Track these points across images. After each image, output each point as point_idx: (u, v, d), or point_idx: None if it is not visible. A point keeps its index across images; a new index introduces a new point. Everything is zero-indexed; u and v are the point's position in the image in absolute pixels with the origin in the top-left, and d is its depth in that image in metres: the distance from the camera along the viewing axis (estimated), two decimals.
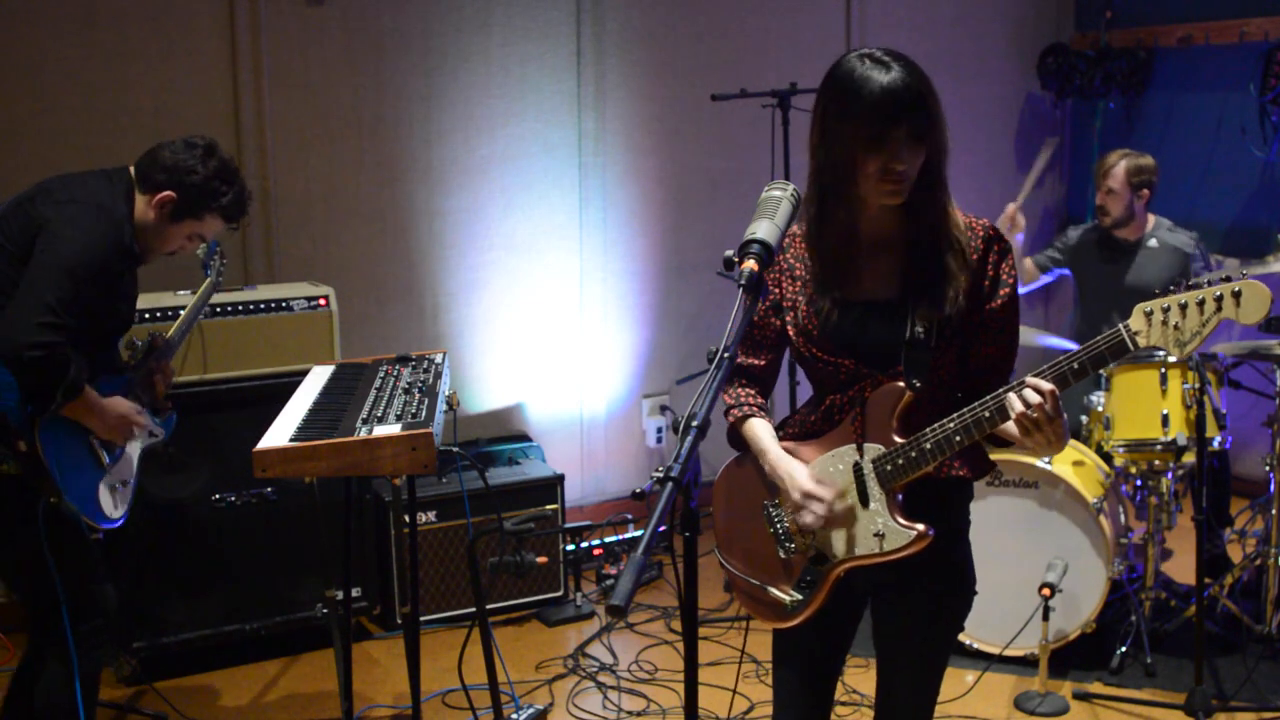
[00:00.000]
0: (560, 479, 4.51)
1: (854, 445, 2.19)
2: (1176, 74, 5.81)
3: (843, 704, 3.68)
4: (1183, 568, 4.35)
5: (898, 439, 2.15)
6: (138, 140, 3.90)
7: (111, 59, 4.09)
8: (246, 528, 3.95)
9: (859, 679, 3.84)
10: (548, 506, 4.47)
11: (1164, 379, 3.92)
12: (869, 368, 2.18)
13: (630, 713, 3.74)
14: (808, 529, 2.21)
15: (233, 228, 3.12)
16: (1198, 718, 3.55)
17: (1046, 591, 3.68)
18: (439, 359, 3.36)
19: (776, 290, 2.26)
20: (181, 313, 3.45)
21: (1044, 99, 6.23)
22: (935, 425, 2.11)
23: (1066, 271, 4.81)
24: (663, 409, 5.31)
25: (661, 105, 5.15)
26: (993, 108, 6.11)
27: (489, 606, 4.03)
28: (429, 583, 4.27)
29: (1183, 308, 2.01)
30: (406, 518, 3.13)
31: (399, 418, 2.78)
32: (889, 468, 2.15)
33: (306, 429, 2.77)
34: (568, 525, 4.55)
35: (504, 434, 4.92)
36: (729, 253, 1.95)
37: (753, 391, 2.35)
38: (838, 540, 2.21)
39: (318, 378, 3.30)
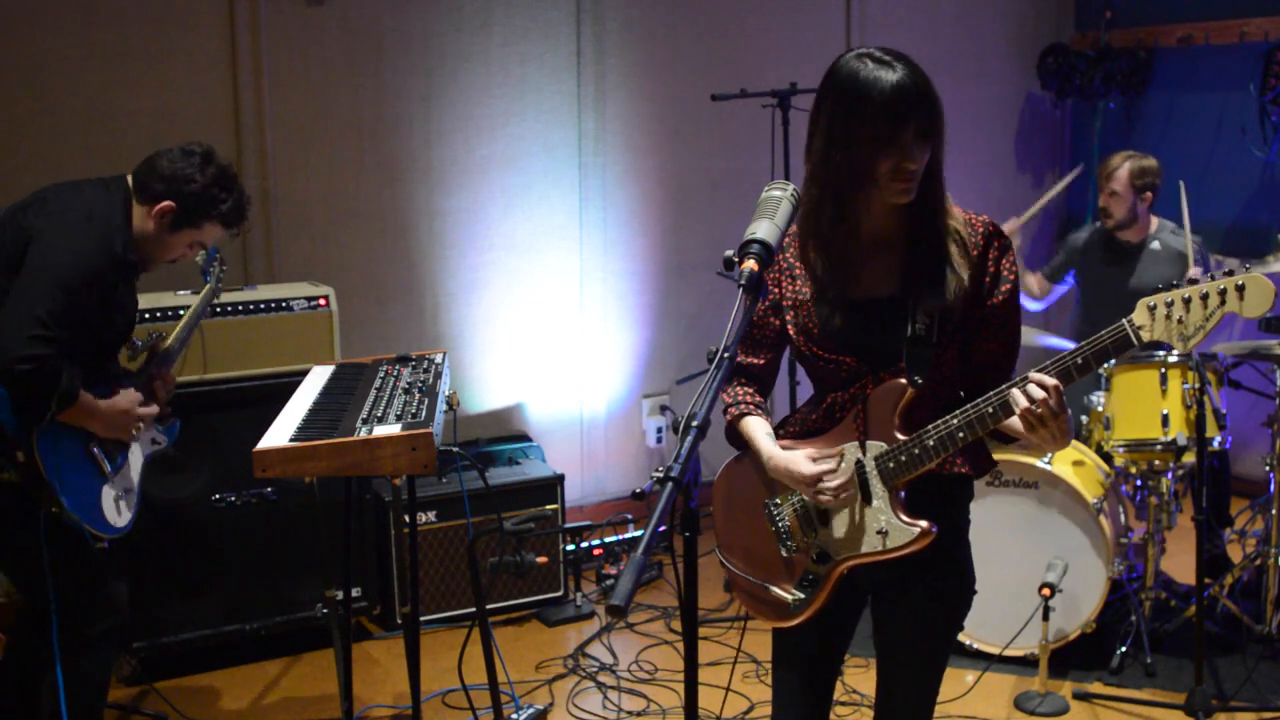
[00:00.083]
0: (560, 479, 4.51)
1: (856, 443, 2.19)
2: (1176, 74, 5.81)
3: (843, 704, 3.68)
4: (1183, 568, 4.35)
5: (900, 436, 2.14)
6: (138, 141, 3.92)
7: (111, 59, 4.09)
8: (246, 528, 3.95)
9: (859, 679, 3.84)
10: (548, 506, 4.47)
11: (1164, 379, 3.92)
12: (870, 365, 2.18)
13: (630, 713, 3.74)
14: (828, 507, 2.21)
15: (233, 234, 3.12)
16: (1198, 718, 3.55)
17: (1046, 591, 3.68)
18: (439, 359, 3.36)
19: (776, 290, 2.26)
20: (182, 313, 3.45)
21: (1044, 99, 6.23)
22: (938, 422, 2.11)
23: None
24: (663, 409, 5.31)
25: (661, 105, 5.15)
26: (993, 108, 6.11)
27: (489, 606, 4.03)
28: (429, 583, 4.27)
29: (1186, 302, 2.01)
30: (406, 518, 3.12)
31: (399, 418, 2.78)
32: (891, 465, 2.15)
33: (306, 429, 2.77)
34: (568, 525, 4.55)
35: (504, 434, 4.92)
36: (729, 253, 1.95)
37: (751, 390, 2.35)
38: (840, 538, 2.21)
39: (318, 378, 3.30)
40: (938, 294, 2.13)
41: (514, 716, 3.60)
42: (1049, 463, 3.85)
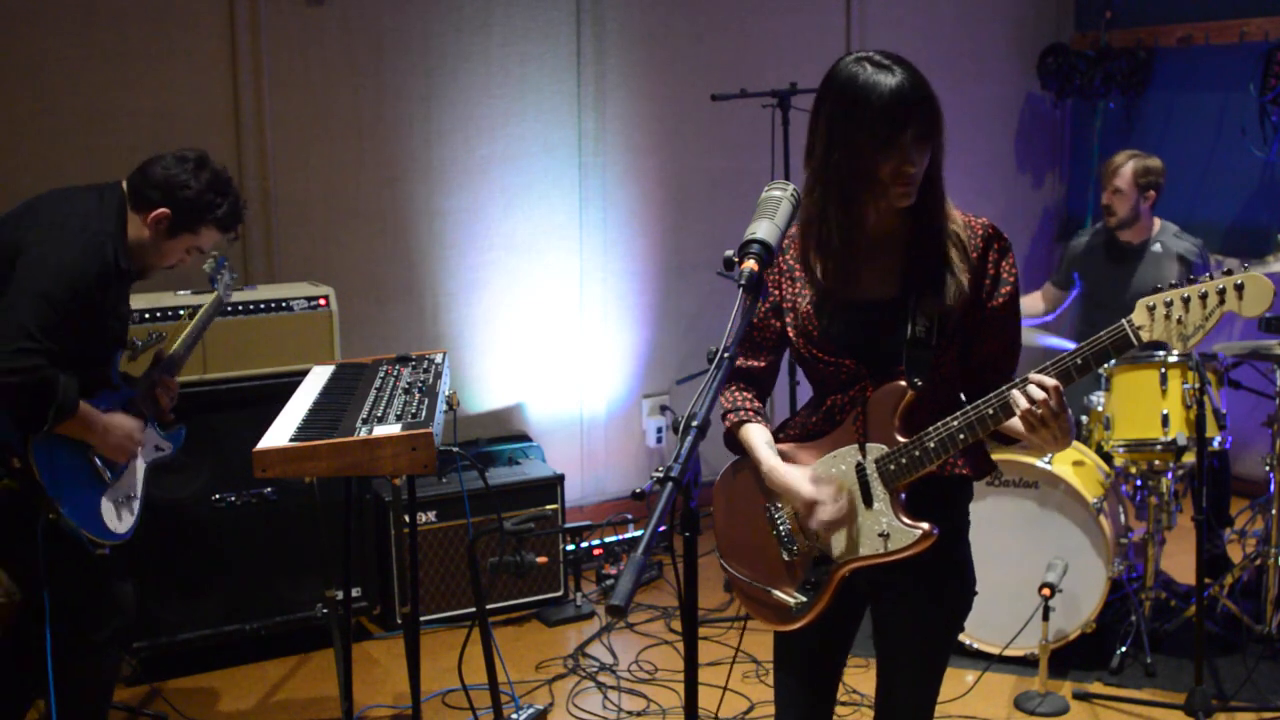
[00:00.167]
0: (560, 479, 4.51)
1: (856, 445, 2.19)
2: (1176, 74, 5.81)
3: (843, 704, 3.68)
4: (1183, 568, 4.35)
5: (900, 438, 2.14)
6: (138, 141, 3.92)
7: (111, 59, 4.09)
8: (246, 528, 3.95)
9: (859, 679, 3.84)
10: (548, 506, 4.47)
11: (1164, 379, 3.92)
12: (870, 368, 2.18)
13: (630, 713, 3.74)
14: (816, 533, 2.21)
15: (230, 238, 3.11)
16: (1198, 718, 3.55)
17: (1046, 591, 3.68)
18: (439, 359, 3.36)
19: (776, 292, 2.26)
20: (182, 313, 3.44)
21: (1044, 99, 6.23)
22: (938, 424, 2.11)
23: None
24: (663, 409, 5.31)
25: (661, 105, 5.15)
26: (993, 108, 6.11)
27: (489, 606, 4.03)
28: (429, 583, 4.27)
29: (1185, 301, 2.01)
30: (406, 518, 3.12)
31: (399, 418, 2.78)
32: (892, 467, 2.15)
33: (306, 429, 2.77)
34: (568, 525, 4.55)
35: (504, 434, 4.92)
36: (729, 253, 1.95)
37: (750, 395, 2.34)
38: (842, 541, 2.21)
39: (318, 378, 3.30)
40: (938, 297, 2.13)
41: (514, 716, 3.60)
42: (1049, 463, 3.85)
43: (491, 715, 3.27)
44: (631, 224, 5.17)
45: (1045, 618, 3.70)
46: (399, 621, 4.14)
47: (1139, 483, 4.12)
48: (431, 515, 4.24)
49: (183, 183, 2.92)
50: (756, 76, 4.92)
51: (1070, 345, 4.13)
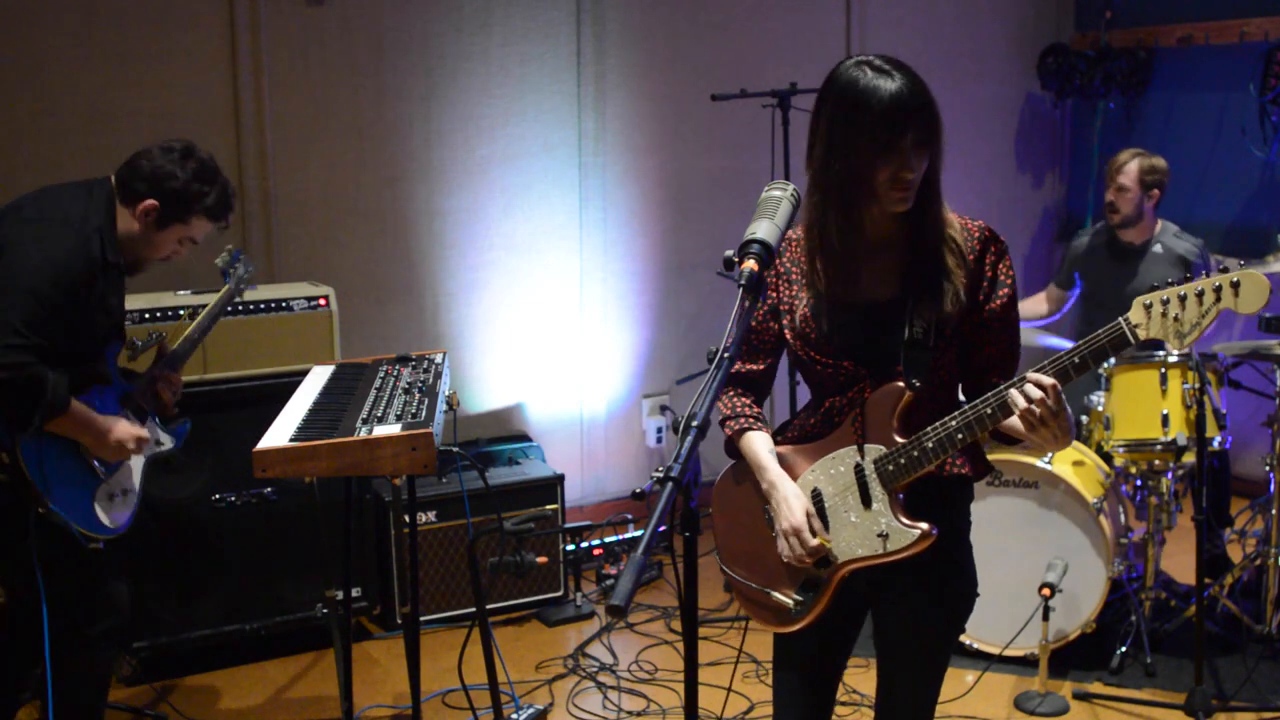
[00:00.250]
0: (560, 479, 4.51)
1: (855, 446, 2.19)
2: (1176, 74, 5.81)
3: (843, 704, 3.68)
4: (1183, 568, 4.35)
5: (899, 439, 2.14)
6: (138, 141, 3.88)
7: (111, 59, 4.09)
8: (246, 528, 3.95)
9: (859, 679, 3.84)
10: (548, 506, 4.47)
11: (1164, 379, 3.92)
12: (868, 369, 2.18)
13: (630, 713, 3.74)
14: (782, 556, 2.21)
15: (222, 227, 3.11)
16: (1198, 718, 3.55)
17: (1046, 591, 3.68)
18: (439, 359, 3.36)
19: (774, 294, 2.26)
20: (182, 313, 3.44)
21: (1044, 99, 6.23)
22: (937, 424, 2.11)
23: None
24: (663, 409, 5.31)
25: (661, 105, 5.15)
26: (993, 108, 6.11)
27: (489, 606, 4.03)
28: (429, 583, 4.27)
29: (1182, 299, 2.01)
30: (406, 518, 3.13)
31: (399, 418, 2.78)
32: (891, 468, 2.15)
33: (306, 429, 2.77)
34: (568, 525, 4.55)
35: (504, 434, 4.92)
36: (729, 253, 1.95)
37: (749, 401, 2.34)
38: (842, 542, 2.21)
39: (318, 378, 3.30)
40: (936, 299, 2.13)
41: (514, 716, 3.60)
42: (1049, 463, 3.85)
43: (491, 715, 3.28)
44: (631, 224, 5.17)
45: (1045, 618, 3.70)
46: (399, 621, 4.14)
47: (1139, 483, 4.12)
48: (431, 515, 4.24)
49: (169, 173, 2.92)
50: (756, 76, 4.92)
51: (1069, 345, 4.13)
